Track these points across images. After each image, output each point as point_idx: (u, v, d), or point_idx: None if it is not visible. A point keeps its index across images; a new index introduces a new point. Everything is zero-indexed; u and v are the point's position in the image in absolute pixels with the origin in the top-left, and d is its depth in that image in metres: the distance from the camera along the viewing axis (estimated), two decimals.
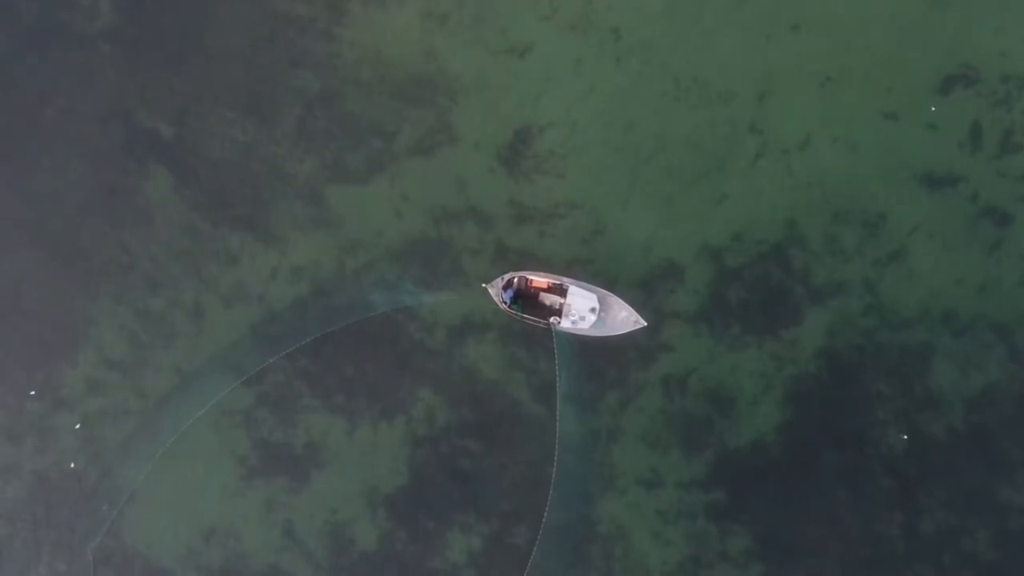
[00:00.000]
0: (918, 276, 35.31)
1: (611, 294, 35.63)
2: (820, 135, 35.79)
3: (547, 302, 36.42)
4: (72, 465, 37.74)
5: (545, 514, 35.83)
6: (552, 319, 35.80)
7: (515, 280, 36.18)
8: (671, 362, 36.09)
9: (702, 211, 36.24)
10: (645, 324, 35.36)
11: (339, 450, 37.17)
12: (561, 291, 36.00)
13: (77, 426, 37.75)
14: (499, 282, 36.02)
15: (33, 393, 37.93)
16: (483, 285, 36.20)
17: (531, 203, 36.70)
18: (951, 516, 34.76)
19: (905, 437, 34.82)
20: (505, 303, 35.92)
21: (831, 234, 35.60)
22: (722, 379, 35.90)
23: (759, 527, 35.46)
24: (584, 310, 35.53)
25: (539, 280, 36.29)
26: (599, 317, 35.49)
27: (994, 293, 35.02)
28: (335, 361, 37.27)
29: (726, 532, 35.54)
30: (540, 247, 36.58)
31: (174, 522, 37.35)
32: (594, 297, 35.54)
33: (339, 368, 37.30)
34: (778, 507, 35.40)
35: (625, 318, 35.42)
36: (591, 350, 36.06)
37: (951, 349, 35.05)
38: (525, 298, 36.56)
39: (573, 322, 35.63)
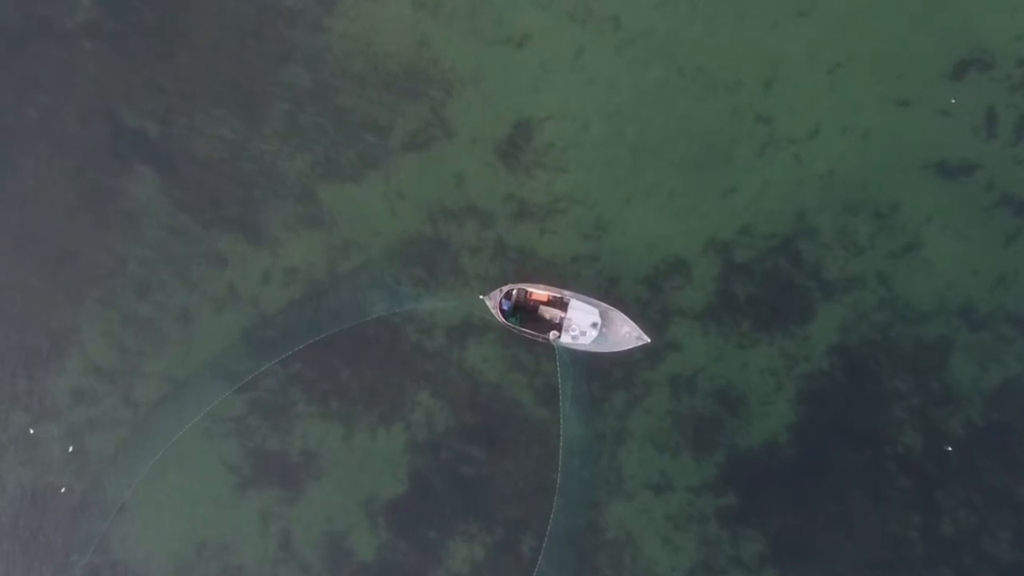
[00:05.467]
0: (933, 268, 35.10)
1: (613, 308, 34.93)
2: (829, 124, 35.60)
3: (547, 316, 35.64)
4: (63, 490, 36.82)
5: (550, 521, 35.21)
6: (552, 334, 34.97)
7: (513, 292, 35.36)
8: (679, 361, 35.62)
9: (708, 205, 35.91)
10: (648, 340, 34.70)
11: (336, 458, 36.50)
12: (562, 304, 35.26)
13: (71, 448, 36.84)
14: (497, 294, 35.23)
15: (32, 432, 36.94)
16: (480, 297, 35.54)
17: (531, 199, 36.23)
18: (971, 516, 34.38)
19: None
20: (503, 316, 35.08)
21: (843, 226, 35.34)
22: (732, 378, 35.45)
23: (772, 531, 34.99)
24: (585, 325, 34.74)
25: (539, 293, 35.54)
26: (600, 332, 34.77)
27: (1012, 284, 34.86)
28: (330, 365, 36.62)
29: (738, 536, 35.05)
30: (541, 244, 36.08)
31: (166, 536, 36.58)
32: (596, 312, 34.80)
33: (334, 373, 36.67)
34: (791, 510, 34.98)
35: (627, 334, 34.76)
36: (595, 352, 35.40)
37: (969, 343, 34.81)
38: (524, 311, 35.83)
39: (574, 337, 34.84)
